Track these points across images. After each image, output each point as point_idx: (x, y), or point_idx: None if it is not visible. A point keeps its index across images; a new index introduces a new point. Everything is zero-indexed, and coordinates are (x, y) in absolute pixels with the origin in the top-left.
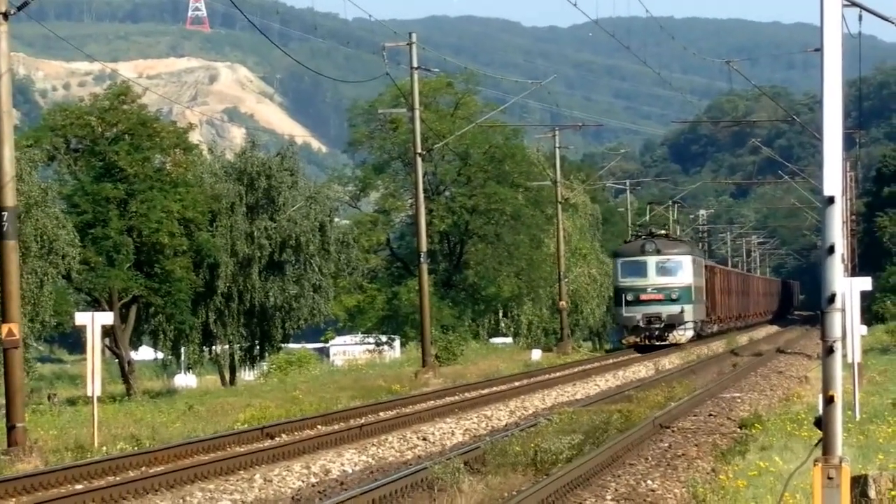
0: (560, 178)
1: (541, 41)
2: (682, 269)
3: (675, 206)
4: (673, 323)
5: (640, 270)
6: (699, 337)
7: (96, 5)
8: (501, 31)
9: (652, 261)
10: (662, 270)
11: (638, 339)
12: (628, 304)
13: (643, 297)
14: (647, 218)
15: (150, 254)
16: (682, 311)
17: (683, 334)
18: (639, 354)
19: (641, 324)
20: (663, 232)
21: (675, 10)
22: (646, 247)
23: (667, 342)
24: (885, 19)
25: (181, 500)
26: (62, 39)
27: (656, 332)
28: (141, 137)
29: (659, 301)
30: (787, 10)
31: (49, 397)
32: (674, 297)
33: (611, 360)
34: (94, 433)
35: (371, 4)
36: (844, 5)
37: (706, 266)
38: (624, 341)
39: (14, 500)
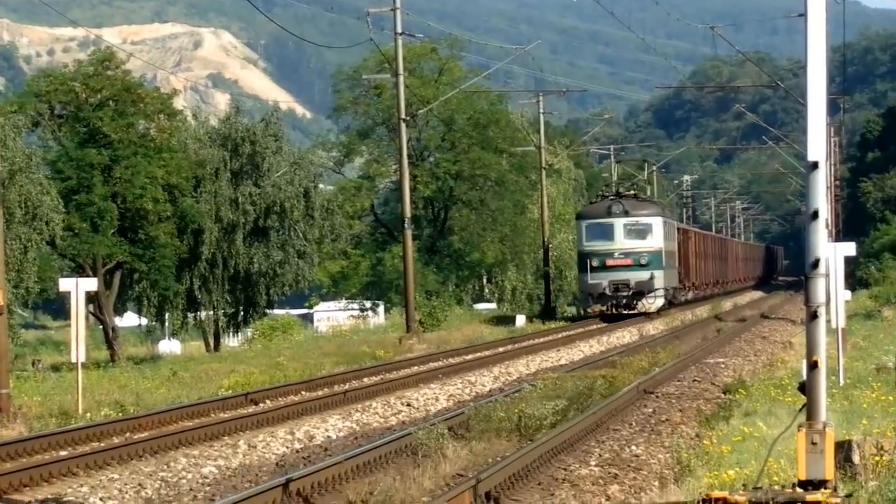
0: (544, 144)
1: (525, 6)
2: (652, 232)
3: (647, 164)
4: (642, 290)
5: (607, 233)
6: (671, 305)
7: None
8: None
9: (619, 223)
10: (631, 233)
11: (604, 308)
12: (594, 269)
13: (610, 262)
14: (616, 178)
15: (135, 220)
16: (651, 278)
17: (653, 303)
18: (605, 324)
19: (608, 291)
20: (632, 192)
21: None
22: (612, 208)
23: (635, 311)
24: None
25: (166, 466)
26: (46, 5)
27: (624, 301)
28: (125, 103)
29: (627, 267)
30: None
31: (33, 363)
32: (643, 262)
33: (594, 326)
34: (79, 399)
35: None
36: None
37: (679, 229)
38: (589, 310)
39: None
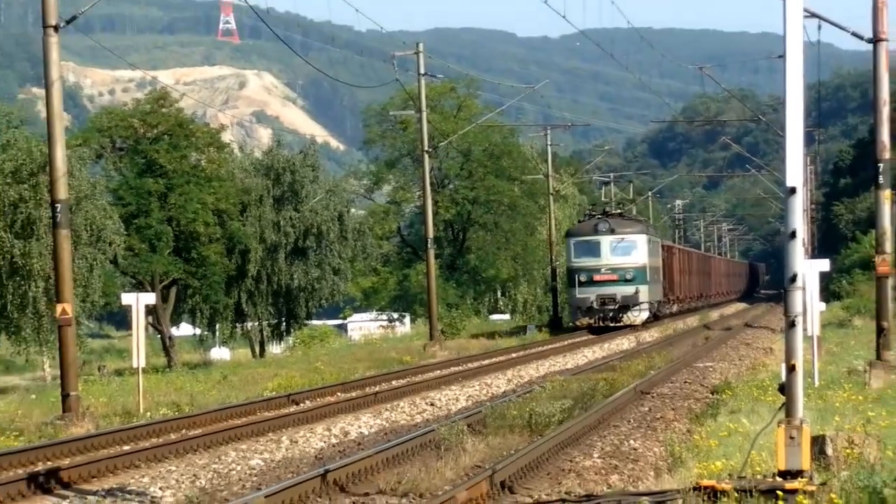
0: (551, 173)
1: (534, 50)
2: (637, 249)
3: (632, 186)
4: (627, 304)
5: (594, 250)
6: (655, 318)
7: (137, 18)
8: (499, 41)
9: (606, 240)
10: (616, 250)
11: (592, 321)
12: (581, 284)
13: (597, 277)
14: (614, 202)
15: (188, 241)
16: (636, 292)
17: (638, 315)
18: (594, 336)
19: (595, 305)
20: (618, 211)
21: (653, 22)
22: (599, 226)
23: (621, 324)
24: (842, 28)
25: (217, 459)
26: (107, 50)
27: (611, 314)
28: (178, 137)
29: (613, 282)
30: (753, 21)
31: (99, 369)
32: (628, 277)
33: (595, 336)
34: (140, 400)
35: (382, 17)
36: (805, 16)
37: (664, 246)
38: (578, 323)
39: (68, 460)
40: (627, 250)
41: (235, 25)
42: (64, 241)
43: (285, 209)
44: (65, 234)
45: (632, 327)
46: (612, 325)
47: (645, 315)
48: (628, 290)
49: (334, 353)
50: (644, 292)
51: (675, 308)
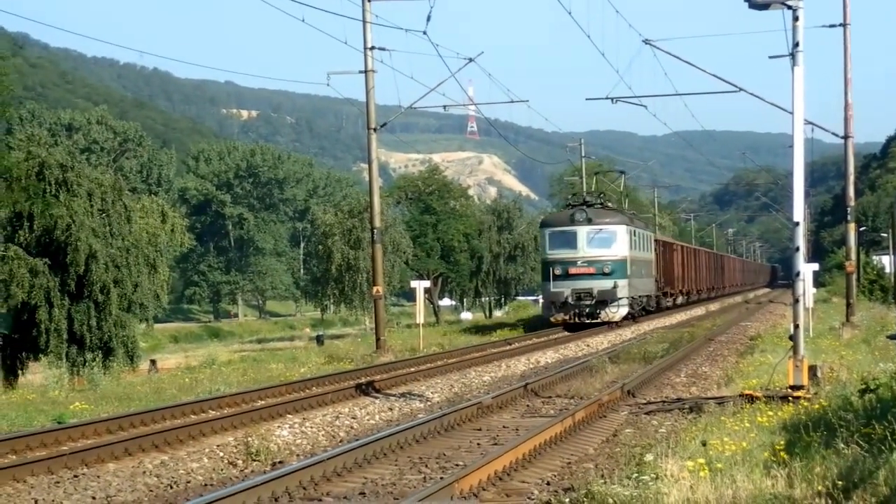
0: (657, 212)
1: (647, 142)
2: (617, 241)
3: (623, 175)
4: (605, 299)
5: (570, 241)
6: (646, 312)
7: (420, 124)
8: (627, 137)
9: (582, 231)
10: (594, 241)
11: (567, 317)
12: (556, 278)
13: (573, 270)
14: (594, 186)
15: (448, 251)
16: (615, 287)
17: (616, 312)
18: (568, 333)
19: (570, 300)
20: (598, 201)
21: (715, 125)
22: (576, 216)
23: (598, 321)
24: (826, 130)
25: (464, 377)
26: (403, 142)
27: (587, 310)
28: (443, 192)
29: (590, 275)
30: (775, 126)
31: (396, 324)
32: (606, 270)
33: (684, 306)
34: (420, 342)
35: (560, 123)
36: (805, 122)
37: (659, 241)
38: (552, 319)
39: (379, 376)
40: (606, 242)
41: (476, 128)
42: (378, 251)
43: (504, 233)
44: (378, 247)
45: (609, 324)
46: (588, 321)
47: (624, 311)
48: (606, 284)
49: (531, 316)
50: (623, 287)
51: (679, 300)
